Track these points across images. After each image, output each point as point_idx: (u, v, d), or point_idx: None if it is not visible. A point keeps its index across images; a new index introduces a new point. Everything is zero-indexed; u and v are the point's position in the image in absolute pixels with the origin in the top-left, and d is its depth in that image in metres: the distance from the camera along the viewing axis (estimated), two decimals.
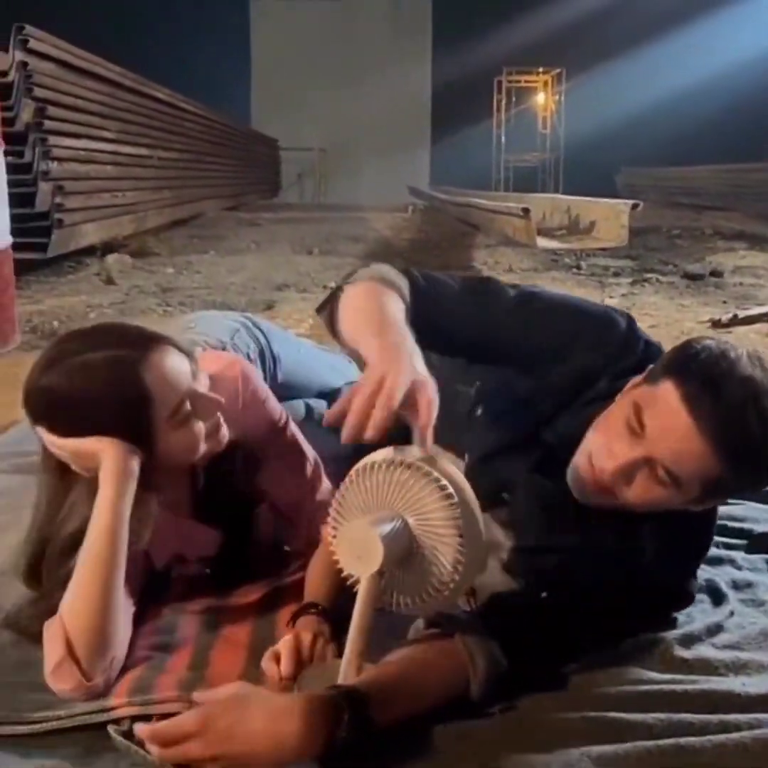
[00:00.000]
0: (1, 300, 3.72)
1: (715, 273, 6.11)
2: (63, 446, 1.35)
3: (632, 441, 1.28)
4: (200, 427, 1.42)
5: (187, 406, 1.39)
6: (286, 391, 2.25)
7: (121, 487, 1.33)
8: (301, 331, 4.19)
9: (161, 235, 8.67)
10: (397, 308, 1.35)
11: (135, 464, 1.34)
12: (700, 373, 1.24)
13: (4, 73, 4.99)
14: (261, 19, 20.98)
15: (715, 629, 1.49)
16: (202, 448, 1.44)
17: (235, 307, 4.85)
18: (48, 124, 5.56)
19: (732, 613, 1.54)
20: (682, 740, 1.20)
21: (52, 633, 1.29)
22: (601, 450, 1.31)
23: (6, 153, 3.81)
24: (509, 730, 1.23)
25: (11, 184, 3.86)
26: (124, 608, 1.36)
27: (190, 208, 10.25)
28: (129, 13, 19.11)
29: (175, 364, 1.38)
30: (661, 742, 1.20)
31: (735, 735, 1.21)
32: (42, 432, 1.36)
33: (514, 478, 1.54)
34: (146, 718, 1.24)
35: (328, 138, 20.27)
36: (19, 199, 4.65)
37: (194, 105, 10.79)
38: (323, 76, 20.28)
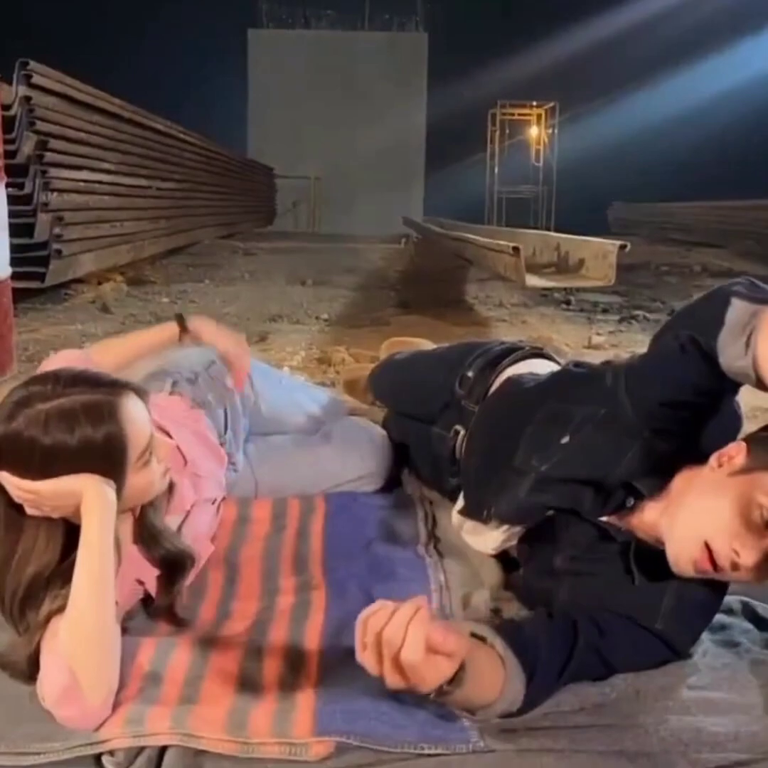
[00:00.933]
0: (0, 329, 3.76)
1: None
2: (35, 489, 1.38)
3: (763, 532, 1.35)
4: (158, 468, 1.51)
5: (149, 449, 1.47)
6: (270, 426, 2.31)
7: (106, 520, 1.38)
8: (293, 364, 4.23)
9: (157, 263, 8.73)
10: None
11: (114, 497, 1.40)
12: None
13: (8, 107, 5.06)
14: (259, 49, 21.16)
15: (690, 670, 1.52)
16: (157, 489, 1.53)
17: None
18: (49, 156, 5.62)
19: (705, 654, 1.57)
20: None
21: (52, 664, 1.33)
22: (730, 541, 1.37)
23: (7, 185, 3.86)
24: (488, 758, 1.28)
25: (11, 214, 3.90)
26: (116, 637, 1.41)
27: (186, 237, 10.31)
28: (127, 44, 19.27)
29: (141, 408, 1.47)
30: None
31: None
32: (5, 476, 1.39)
33: (568, 506, 1.60)
34: (139, 750, 1.27)
35: (323, 166, 20.39)
36: (19, 229, 4.70)
37: (192, 135, 10.88)
38: (320, 105, 20.44)
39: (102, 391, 1.42)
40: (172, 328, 2.12)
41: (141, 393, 1.50)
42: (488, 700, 1.30)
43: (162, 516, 1.60)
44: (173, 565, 1.59)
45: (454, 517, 1.94)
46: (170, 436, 1.67)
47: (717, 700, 1.44)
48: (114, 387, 1.45)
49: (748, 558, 1.35)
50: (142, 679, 1.41)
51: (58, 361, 1.81)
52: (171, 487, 1.63)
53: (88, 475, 1.39)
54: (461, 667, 1.22)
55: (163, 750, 1.28)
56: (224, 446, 2.01)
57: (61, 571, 1.40)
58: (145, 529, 1.57)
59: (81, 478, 1.38)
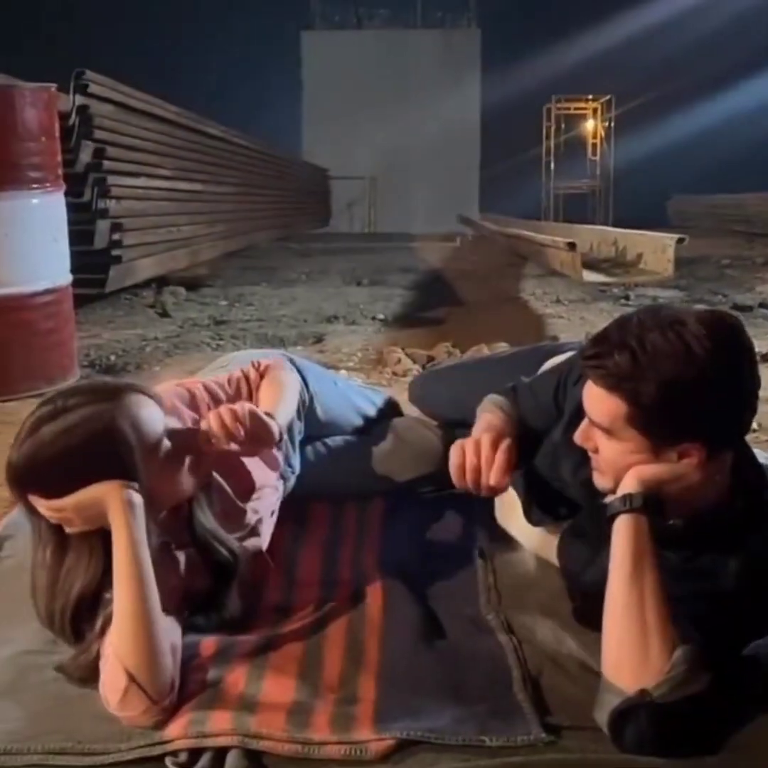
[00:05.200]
0: (62, 335, 3.82)
1: (765, 304, 6.04)
2: (62, 506, 1.42)
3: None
4: (185, 461, 1.52)
5: (166, 443, 1.49)
6: (326, 429, 2.30)
7: (132, 520, 1.41)
8: (349, 365, 4.24)
9: (214, 267, 8.82)
10: None
11: (137, 497, 1.42)
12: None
13: (65, 117, 5.14)
14: (312, 51, 21.23)
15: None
16: (191, 481, 1.54)
17: (287, 340, 4.93)
18: (106, 164, 5.71)
19: None
20: None
21: (110, 669, 1.35)
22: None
23: (66, 193, 3.92)
24: (551, 763, 1.26)
25: (70, 222, 3.97)
26: (172, 632, 1.43)
27: (242, 240, 10.40)
28: (180, 50, 19.48)
29: (146, 408, 1.48)
30: None
31: None
32: (36, 500, 1.44)
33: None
34: (201, 750, 1.28)
35: (378, 166, 20.40)
36: (78, 236, 4.75)
37: (247, 139, 10.97)
38: (373, 105, 20.43)
39: (102, 400, 1.45)
40: None
41: (146, 392, 1.52)
42: None
43: (210, 516, 1.61)
44: (224, 567, 1.61)
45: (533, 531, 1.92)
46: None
47: None
48: (114, 393, 1.48)
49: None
50: (205, 679, 1.43)
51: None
52: (212, 485, 1.64)
53: (107, 482, 1.41)
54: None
55: (225, 750, 1.28)
56: (281, 450, 2.02)
57: (109, 580, 1.43)
58: (196, 531, 1.59)
59: (99, 486, 1.41)
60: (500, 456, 1.59)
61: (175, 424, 1.56)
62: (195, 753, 1.28)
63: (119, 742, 1.30)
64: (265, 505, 1.84)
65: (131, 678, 1.32)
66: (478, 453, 1.60)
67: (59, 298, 3.79)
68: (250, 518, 1.77)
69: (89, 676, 1.41)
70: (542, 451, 1.79)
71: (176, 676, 1.38)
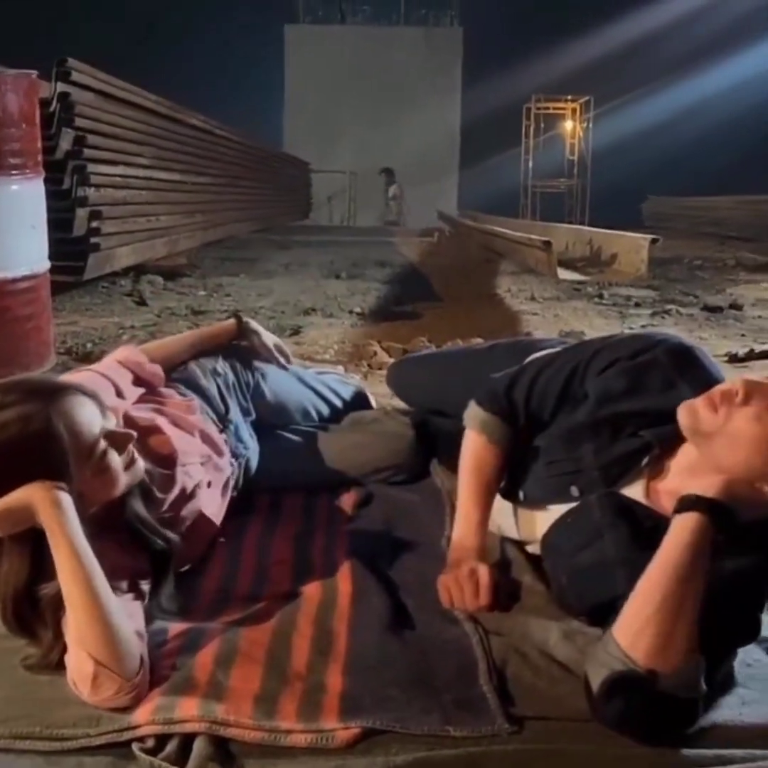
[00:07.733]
0: (38, 322, 3.81)
1: (735, 305, 6.09)
2: None
3: None
4: (118, 461, 1.52)
5: (102, 444, 1.48)
6: (280, 415, 2.32)
7: (62, 515, 1.39)
8: (326, 358, 4.26)
9: (193, 257, 8.79)
10: None
11: (65, 494, 1.40)
12: None
13: (46, 104, 5.12)
14: (295, 44, 21.20)
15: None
16: (123, 481, 1.54)
17: None
18: (86, 151, 5.68)
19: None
20: None
21: (75, 660, 1.36)
22: None
23: (45, 180, 3.92)
24: (514, 754, 1.27)
25: (49, 209, 3.96)
26: (131, 612, 1.45)
27: (221, 231, 10.38)
28: (164, 41, 19.37)
29: (83, 408, 1.47)
30: None
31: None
32: None
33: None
34: (168, 736, 1.29)
35: (358, 161, 20.41)
36: (57, 224, 4.73)
37: (228, 130, 10.94)
38: (355, 100, 20.47)
39: (38, 399, 1.43)
40: (228, 324, 2.24)
41: (86, 392, 1.51)
42: None
43: (142, 506, 1.62)
44: (160, 553, 1.61)
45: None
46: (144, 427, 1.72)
47: (748, 699, 1.42)
48: (51, 392, 1.46)
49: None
50: (173, 665, 1.44)
51: (117, 355, 1.96)
52: (151, 476, 1.65)
53: (31, 485, 1.40)
54: None
55: (192, 736, 1.29)
56: (229, 425, 2.07)
57: (41, 576, 1.42)
58: (129, 519, 1.59)
59: (24, 490, 1.39)
60: (483, 592, 1.66)
61: (111, 423, 1.54)
62: (162, 739, 1.29)
63: (87, 728, 1.30)
64: (201, 472, 1.85)
65: (98, 663, 1.33)
66: (462, 590, 1.67)
67: (37, 285, 3.77)
68: (186, 483, 1.77)
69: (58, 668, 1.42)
70: (558, 431, 1.77)
71: (144, 653, 1.39)
